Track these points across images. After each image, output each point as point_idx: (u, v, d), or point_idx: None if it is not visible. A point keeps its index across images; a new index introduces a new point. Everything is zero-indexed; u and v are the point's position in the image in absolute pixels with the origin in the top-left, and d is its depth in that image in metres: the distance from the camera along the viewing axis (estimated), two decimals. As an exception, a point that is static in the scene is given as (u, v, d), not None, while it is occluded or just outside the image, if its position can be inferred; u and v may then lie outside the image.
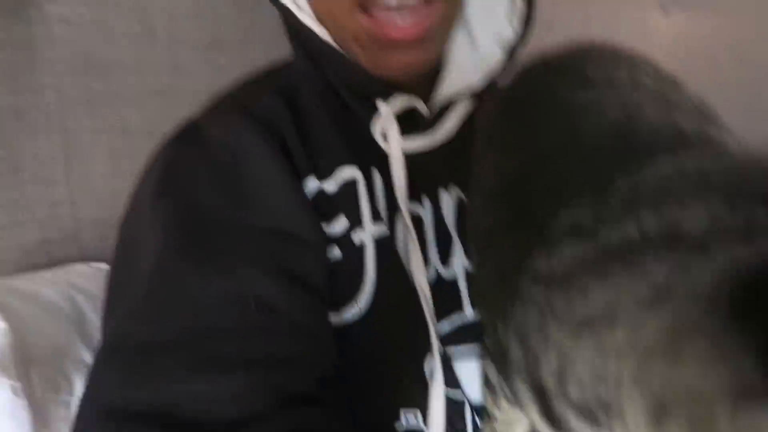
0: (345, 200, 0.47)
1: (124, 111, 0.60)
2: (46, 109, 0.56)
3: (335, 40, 0.49)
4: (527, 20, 0.50)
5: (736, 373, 0.18)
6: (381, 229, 0.47)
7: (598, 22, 1.02)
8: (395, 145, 0.49)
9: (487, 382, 0.43)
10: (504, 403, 0.42)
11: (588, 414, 0.25)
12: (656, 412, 0.21)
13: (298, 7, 0.49)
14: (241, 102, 0.51)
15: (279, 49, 0.54)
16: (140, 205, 0.44)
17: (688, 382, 0.19)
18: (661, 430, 0.21)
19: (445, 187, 0.51)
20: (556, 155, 0.33)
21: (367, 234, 0.47)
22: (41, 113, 0.55)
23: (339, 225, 0.46)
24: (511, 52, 0.51)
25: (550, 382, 0.26)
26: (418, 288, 0.45)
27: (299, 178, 0.47)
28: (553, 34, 0.96)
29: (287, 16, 0.49)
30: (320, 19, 0.50)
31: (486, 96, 0.52)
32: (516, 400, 0.33)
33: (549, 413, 0.27)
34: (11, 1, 0.52)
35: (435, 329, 0.45)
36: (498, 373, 0.38)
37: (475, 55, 0.54)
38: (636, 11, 1.06)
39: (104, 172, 0.60)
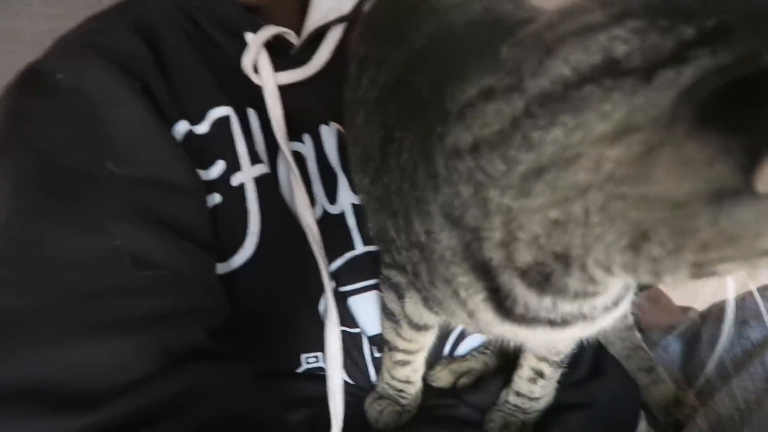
0: (219, 142, 0.44)
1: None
2: None
3: None
4: None
5: (711, 174, 0.19)
6: (261, 169, 0.45)
7: None
8: (268, 78, 0.47)
9: (388, 313, 0.44)
10: (407, 331, 0.42)
11: (537, 277, 0.26)
12: (634, 238, 0.22)
13: None
14: (89, 38, 0.46)
15: None
16: None
17: (665, 196, 0.20)
18: (639, 256, 0.22)
19: (325, 121, 0.49)
20: (436, 49, 0.34)
21: (246, 175, 0.44)
22: None
23: (216, 169, 0.44)
24: None
25: (495, 256, 0.26)
26: (306, 227, 0.44)
27: (167, 122, 0.43)
28: None
29: None
30: None
31: (354, 18, 0.50)
32: (440, 308, 0.34)
33: (496, 293, 0.28)
34: None
35: (326, 268, 0.44)
36: (407, 290, 0.39)
37: None
38: None
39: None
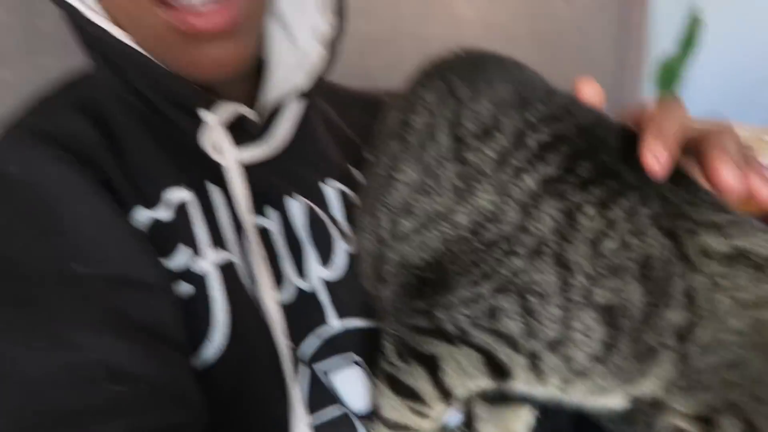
0: (179, 227, 0.43)
1: None
2: None
3: (139, 45, 0.43)
4: (340, 12, 0.49)
5: None
6: (223, 255, 0.43)
7: (409, 8, 1.07)
8: (230, 157, 0.45)
9: (405, 393, 0.40)
10: (435, 406, 0.40)
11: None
12: None
13: (87, 6, 0.42)
14: (39, 126, 0.44)
15: (72, 58, 0.47)
16: None
17: None
18: None
19: (289, 193, 0.48)
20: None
21: (208, 261, 0.42)
22: None
23: (179, 256, 0.42)
24: (331, 47, 0.50)
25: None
26: (267, 312, 0.42)
27: (124, 210, 0.41)
28: (368, 23, 0.96)
29: (75, 18, 0.42)
30: (114, 19, 0.43)
31: (314, 94, 0.51)
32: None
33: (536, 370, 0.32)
34: None
35: (291, 351, 0.42)
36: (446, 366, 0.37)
37: (296, 52, 0.52)
38: None
39: None
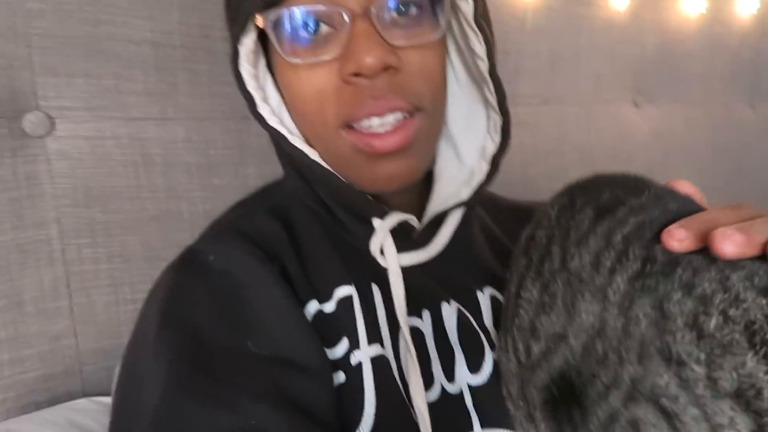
0: (343, 320, 0.47)
1: (123, 238, 0.61)
2: (49, 242, 0.57)
3: (326, 161, 0.50)
4: (505, 132, 0.52)
5: None
6: (377, 349, 0.46)
7: (576, 122, 1.07)
8: (393, 261, 0.49)
9: None
10: None
11: None
12: None
13: (289, 131, 0.51)
14: (237, 224, 0.52)
15: (270, 168, 0.57)
16: (143, 336, 0.44)
17: None
18: None
19: (446, 299, 0.50)
20: None
21: (364, 354, 0.46)
22: (44, 246, 0.56)
23: (341, 347, 0.46)
24: (494, 161, 0.53)
25: None
26: (417, 412, 0.44)
27: (301, 302, 0.47)
28: (533, 136, 0.99)
29: (278, 139, 0.50)
30: (310, 141, 0.51)
31: (474, 203, 0.54)
32: None
33: None
34: (15, 142, 0.55)
35: None
36: None
37: (463, 168, 0.56)
38: (610, 107, 1.12)
39: (106, 300, 0.60)
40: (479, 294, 0.54)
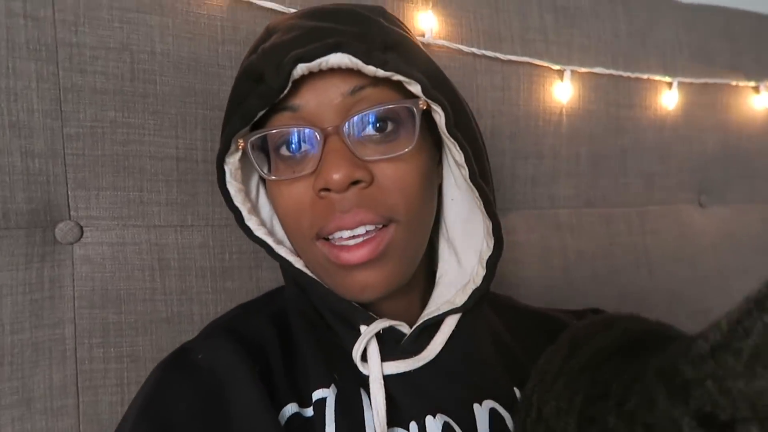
0: (316, 424, 0.47)
1: (134, 339, 0.64)
2: (63, 341, 0.61)
3: (309, 269, 0.52)
4: (497, 235, 0.52)
5: None
6: None
7: (626, 221, 1.03)
8: (375, 369, 0.49)
9: None
10: None
11: None
12: None
13: (277, 240, 0.54)
14: (232, 324, 0.54)
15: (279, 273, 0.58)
16: (122, 425, 0.46)
17: None
18: None
19: (432, 413, 0.49)
20: None
21: None
22: (58, 345, 0.60)
23: None
24: (488, 266, 0.53)
25: None
26: None
27: (279, 404, 0.47)
28: (578, 237, 0.95)
29: (264, 249, 0.53)
30: (295, 251, 0.54)
31: (474, 311, 0.54)
32: None
33: None
34: (45, 248, 0.61)
35: None
36: None
37: (461, 272, 0.55)
38: (666, 208, 1.09)
39: (112, 400, 0.62)
40: (476, 407, 0.51)
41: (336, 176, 0.45)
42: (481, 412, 0.50)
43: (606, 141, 1.01)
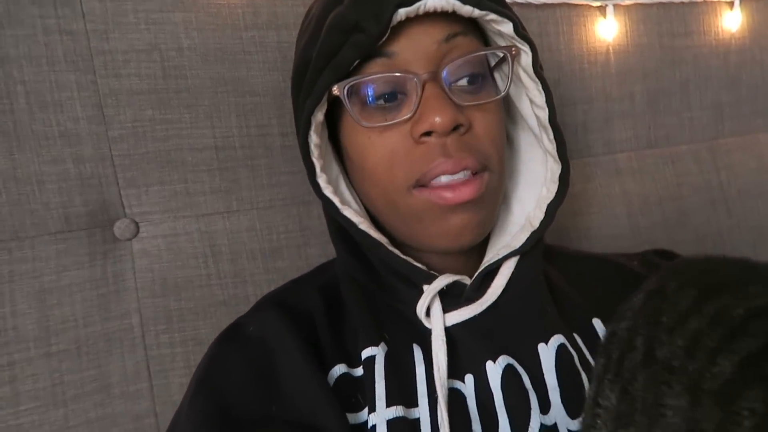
0: (366, 383, 0.47)
1: (195, 324, 0.67)
2: (131, 330, 0.65)
3: (393, 223, 0.52)
4: (563, 180, 0.53)
5: None
6: (396, 411, 0.45)
7: (695, 159, 0.96)
8: (438, 324, 0.49)
9: None
10: None
11: None
12: None
13: (342, 201, 0.53)
14: (281, 297, 0.56)
15: (332, 247, 0.60)
16: (184, 398, 0.49)
17: None
18: None
19: (492, 358, 0.48)
20: None
21: (380, 417, 0.45)
22: (127, 334, 0.65)
23: (364, 413, 0.46)
24: (548, 211, 0.53)
25: None
26: None
27: (327, 366, 0.48)
28: (641, 182, 0.89)
29: (328, 208, 0.53)
30: (373, 206, 0.53)
31: (532, 255, 0.53)
32: None
33: None
34: (106, 246, 0.65)
35: None
36: None
37: (518, 219, 0.56)
38: (741, 139, 1.03)
39: (182, 382, 0.66)
40: (541, 347, 0.51)
41: (439, 119, 0.45)
42: (547, 351, 0.49)
43: (663, 76, 0.94)
